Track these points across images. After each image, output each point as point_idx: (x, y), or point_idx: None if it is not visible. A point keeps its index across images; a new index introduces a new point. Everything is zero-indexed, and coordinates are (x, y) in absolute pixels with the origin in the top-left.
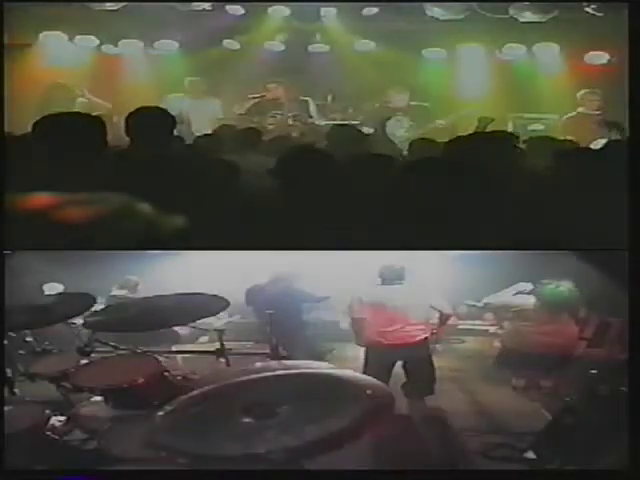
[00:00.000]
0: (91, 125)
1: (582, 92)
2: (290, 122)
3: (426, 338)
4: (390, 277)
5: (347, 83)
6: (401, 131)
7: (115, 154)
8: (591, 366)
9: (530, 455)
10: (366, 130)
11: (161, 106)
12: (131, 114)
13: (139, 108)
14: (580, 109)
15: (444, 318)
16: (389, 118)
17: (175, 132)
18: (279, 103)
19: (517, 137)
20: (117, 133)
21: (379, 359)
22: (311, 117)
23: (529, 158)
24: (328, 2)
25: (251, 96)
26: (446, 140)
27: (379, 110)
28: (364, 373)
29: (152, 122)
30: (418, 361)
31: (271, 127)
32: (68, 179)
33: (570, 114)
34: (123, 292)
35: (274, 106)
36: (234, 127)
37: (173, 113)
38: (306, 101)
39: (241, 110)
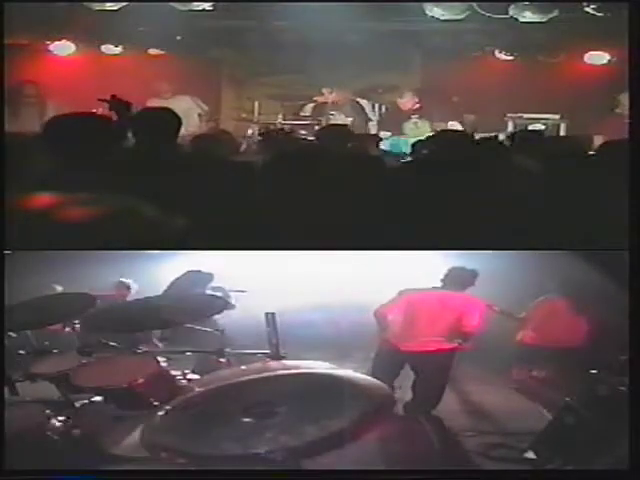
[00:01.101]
0: (100, 125)
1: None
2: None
3: (443, 349)
4: (458, 281)
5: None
6: (416, 133)
7: (119, 154)
8: (591, 366)
9: (530, 455)
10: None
11: (167, 107)
12: (138, 114)
13: (146, 108)
14: (618, 110)
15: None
16: (407, 119)
17: (180, 133)
18: (336, 106)
19: (518, 137)
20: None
21: (389, 361)
22: (370, 120)
23: (530, 158)
24: (328, 2)
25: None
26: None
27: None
28: (372, 371)
29: (158, 122)
30: (429, 373)
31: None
32: (76, 179)
33: (607, 115)
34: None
35: (330, 109)
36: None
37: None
38: (358, 102)
39: (304, 113)
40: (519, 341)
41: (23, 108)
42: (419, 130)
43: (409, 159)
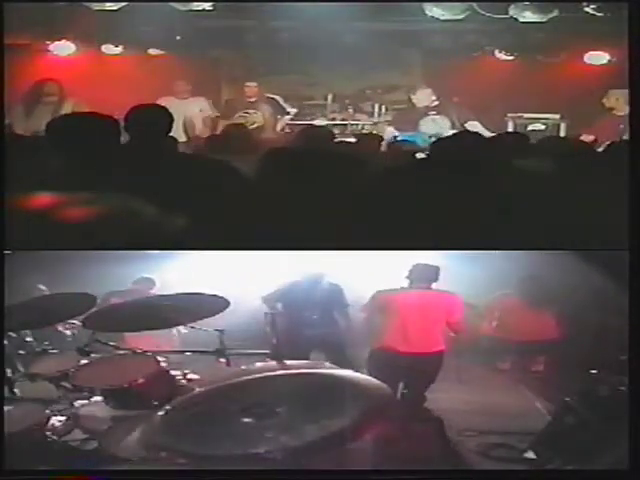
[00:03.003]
0: (105, 125)
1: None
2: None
3: (443, 350)
4: (421, 278)
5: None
6: (436, 130)
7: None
8: (591, 366)
9: (530, 455)
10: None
11: (160, 104)
12: (130, 112)
13: (137, 106)
14: (610, 109)
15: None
16: (424, 116)
17: (172, 131)
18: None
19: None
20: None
21: (388, 366)
22: (288, 113)
23: (531, 158)
24: (327, 2)
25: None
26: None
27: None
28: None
29: (149, 120)
30: (427, 374)
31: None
32: (76, 179)
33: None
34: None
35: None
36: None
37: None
38: (273, 98)
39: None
40: (513, 339)
41: (23, 108)
42: (437, 127)
43: (421, 156)
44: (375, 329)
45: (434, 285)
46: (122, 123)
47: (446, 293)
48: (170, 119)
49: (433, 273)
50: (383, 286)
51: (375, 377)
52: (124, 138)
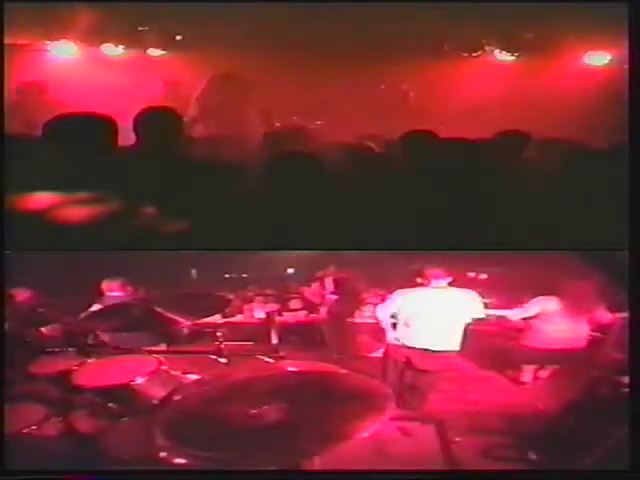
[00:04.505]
0: (102, 125)
1: None
2: None
3: (456, 350)
4: (437, 277)
5: None
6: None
7: (122, 154)
8: (592, 366)
9: (530, 455)
10: None
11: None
12: (140, 113)
13: (147, 107)
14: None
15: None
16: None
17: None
18: None
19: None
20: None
21: (401, 364)
22: None
23: (530, 159)
24: (328, 2)
25: None
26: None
27: None
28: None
29: (161, 122)
30: (435, 373)
31: None
32: (78, 179)
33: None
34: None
35: None
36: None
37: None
38: None
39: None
40: (517, 342)
41: (23, 108)
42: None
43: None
44: (391, 327)
45: (450, 284)
46: (131, 124)
47: (463, 291)
48: (180, 121)
49: (448, 273)
50: (401, 285)
51: (387, 375)
52: (132, 139)
